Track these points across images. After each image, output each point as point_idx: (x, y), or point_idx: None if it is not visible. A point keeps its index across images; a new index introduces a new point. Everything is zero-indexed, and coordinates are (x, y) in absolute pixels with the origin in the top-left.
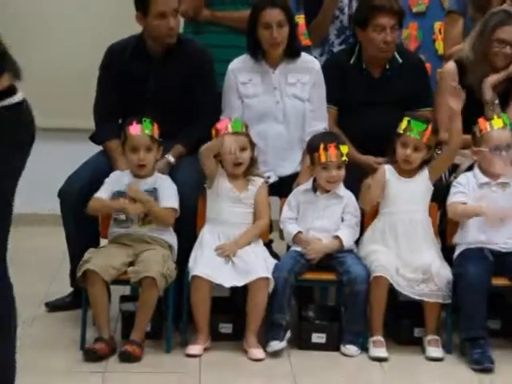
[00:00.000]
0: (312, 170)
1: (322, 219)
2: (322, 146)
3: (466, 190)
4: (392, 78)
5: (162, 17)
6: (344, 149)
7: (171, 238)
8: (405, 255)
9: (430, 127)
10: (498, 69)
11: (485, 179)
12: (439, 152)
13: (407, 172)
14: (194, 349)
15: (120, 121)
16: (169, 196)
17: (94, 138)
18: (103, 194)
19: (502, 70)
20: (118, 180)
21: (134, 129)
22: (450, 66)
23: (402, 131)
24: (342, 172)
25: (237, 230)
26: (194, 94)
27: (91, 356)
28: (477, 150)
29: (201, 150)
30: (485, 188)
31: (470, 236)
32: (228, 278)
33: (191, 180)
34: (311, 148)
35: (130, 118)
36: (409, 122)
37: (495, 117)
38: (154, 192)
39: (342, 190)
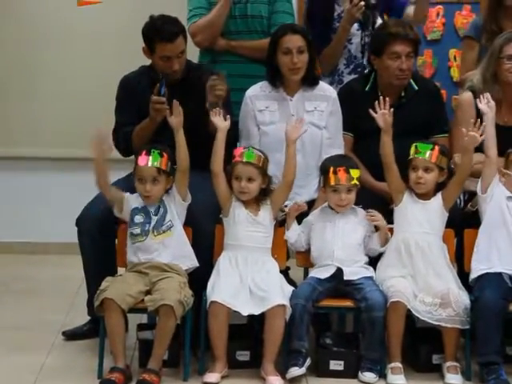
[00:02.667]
0: (324, 192)
1: (344, 234)
2: (331, 170)
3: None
4: (407, 105)
5: (167, 59)
6: (355, 173)
7: (187, 248)
8: (422, 278)
9: (436, 147)
10: (510, 86)
11: (510, 194)
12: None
13: (423, 195)
14: (212, 377)
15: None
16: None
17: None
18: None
19: None
20: (137, 198)
21: (142, 160)
22: (467, 95)
23: (411, 157)
24: (352, 195)
25: (255, 254)
26: (209, 118)
27: None
28: (504, 171)
29: (211, 165)
30: (510, 202)
31: (487, 261)
32: (245, 305)
33: (207, 208)
34: (322, 171)
35: (141, 147)
36: (416, 146)
37: None
38: (161, 203)
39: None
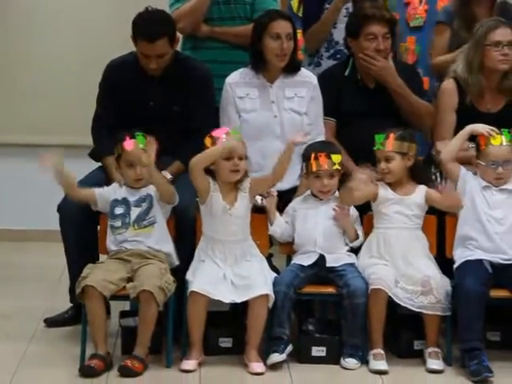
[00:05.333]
0: (306, 179)
1: (326, 221)
2: (312, 156)
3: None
4: (387, 88)
5: (145, 57)
6: (336, 158)
7: (167, 244)
8: (402, 269)
9: (391, 135)
10: (496, 74)
11: (486, 183)
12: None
13: (400, 188)
14: (189, 364)
15: None
16: None
17: (93, 155)
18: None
19: (501, 77)
20: (115, 191)
21: (129, 144)
22: (449, 82)
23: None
24: (335, 181)
25: (232, 247)
26: (194, 109)
27: (87, 373)
28: (477, 162)
29: (193, 162)
30: (486, 190)
31: (468, 250)
32: (227, 293)
33: (190, 192)
34: (304, 157)
35: (122, 133)
36: (375, 138)
37: (494, 134)
38: (147, 197)
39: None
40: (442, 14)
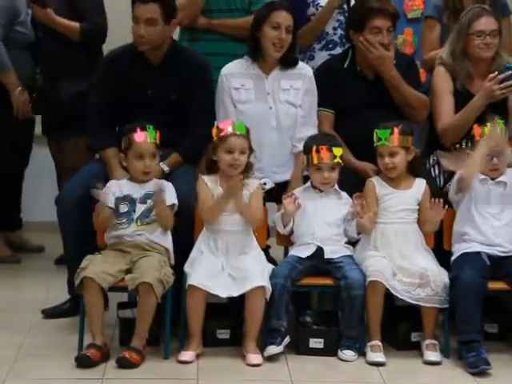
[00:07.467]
0: (307, 171)
1: (326, 213)
2: (314, 148)
3: None
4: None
5: (135, 22)
6: (337, 151)
7: (167, 240)
8: (400, 262)
9: (395, 130)
10: (481, 60)
11: (483, 176)
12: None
13: (399, 183)
14: (186, 355)
15: (117, 128)
16: (167, 195)
17: (89, 147)
18: (110, 203)
19: (489, 62)
20: (116, 187)
21: (140, 136)
22: (441, 69)
23: (375, 144)
24: (335, 174)
25: (235, 238)
26: (193, 101)
27: (83, 362)
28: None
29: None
30: (484, 184)
31: (465, 242)
32: (224, 287)
33: (189, 184)
34: (305, 150)
35: (133, 125)
36: (376, 133)
37: (488, 124)
38: (153, 195)
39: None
40: (430, 9)
